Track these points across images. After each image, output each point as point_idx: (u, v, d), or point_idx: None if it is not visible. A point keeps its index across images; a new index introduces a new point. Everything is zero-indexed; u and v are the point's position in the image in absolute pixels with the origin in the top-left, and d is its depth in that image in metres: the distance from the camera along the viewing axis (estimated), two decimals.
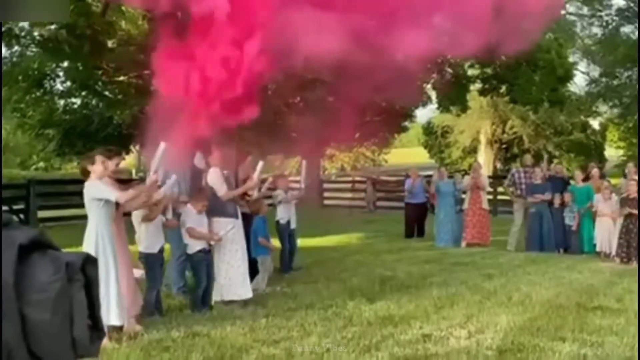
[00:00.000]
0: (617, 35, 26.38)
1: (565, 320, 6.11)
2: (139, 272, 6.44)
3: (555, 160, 14.49)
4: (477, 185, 12.90)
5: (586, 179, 12.33)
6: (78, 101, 17.21)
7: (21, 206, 16.09)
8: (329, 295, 7.31)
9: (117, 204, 5.61)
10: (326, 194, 25.81)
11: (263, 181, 8.11)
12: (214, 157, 7.05)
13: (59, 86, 16.94)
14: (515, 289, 7.74)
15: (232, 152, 7.97)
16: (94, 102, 16.89)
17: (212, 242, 6.79)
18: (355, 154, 37.84)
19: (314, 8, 5.12)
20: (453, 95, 19.17)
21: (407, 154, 44.59)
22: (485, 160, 32.94)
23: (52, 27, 13.76)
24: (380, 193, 23.50)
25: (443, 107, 20.80)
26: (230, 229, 6.78)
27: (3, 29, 13.27)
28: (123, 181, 7.38)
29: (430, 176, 15.35)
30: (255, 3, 5.32)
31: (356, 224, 17.48)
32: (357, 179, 27.55)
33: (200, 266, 6.70)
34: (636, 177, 10.74)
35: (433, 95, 20.14)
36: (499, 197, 19.37)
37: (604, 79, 27.56)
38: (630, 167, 11.92)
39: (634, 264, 9.80)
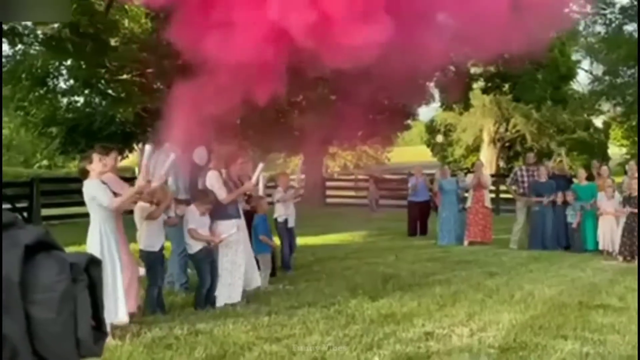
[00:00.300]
0: (620, 33, 26.26)
1: (567, 319, 6.11)
2: (140, 271, 6.46)
3: (558, 158, 14.39)
4: (480, 184, 12.89)
5: (590, 177, 12.30)
6: (81, 99, 17.23)
7: (25, 204, 16.16)
8: (331, 293, 7.32)
9: None
10: (329, 192, 25.88)
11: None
12: (214, 159, 7.02)
13: (62, 84, 17.02)
14: (517, 287, 7.74)
15: (233, 150, 7.92)
16: (97, 100, 16.91)
17: (213, 244, 6.79)
18: (358, 152, 37.79)
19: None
20: (456, 93, 19.17)
21: (410, 152, 44.52)
22: (487, 158, 32.86)
23: (56, 25, 13.80)
24: (383, 191, 23.49)
25: (446, 105, 20.79)
26: (233, 233, 6.78)
27: (6, 27, 13.30)
28: (126, 179, 7.39)
29: (432, 174, 15.36)
30: None
31: (359, 222, 17.49)
32: (360, 177, 27.59)
33: (204, 264, 6.70)
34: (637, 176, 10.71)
35: (436, 93, 20.16)
36: (502, 195, 19.39)
37: (607, 77, 27.46)
38: (632, 165, 11.86)
39: (637, 262, 9.79)
